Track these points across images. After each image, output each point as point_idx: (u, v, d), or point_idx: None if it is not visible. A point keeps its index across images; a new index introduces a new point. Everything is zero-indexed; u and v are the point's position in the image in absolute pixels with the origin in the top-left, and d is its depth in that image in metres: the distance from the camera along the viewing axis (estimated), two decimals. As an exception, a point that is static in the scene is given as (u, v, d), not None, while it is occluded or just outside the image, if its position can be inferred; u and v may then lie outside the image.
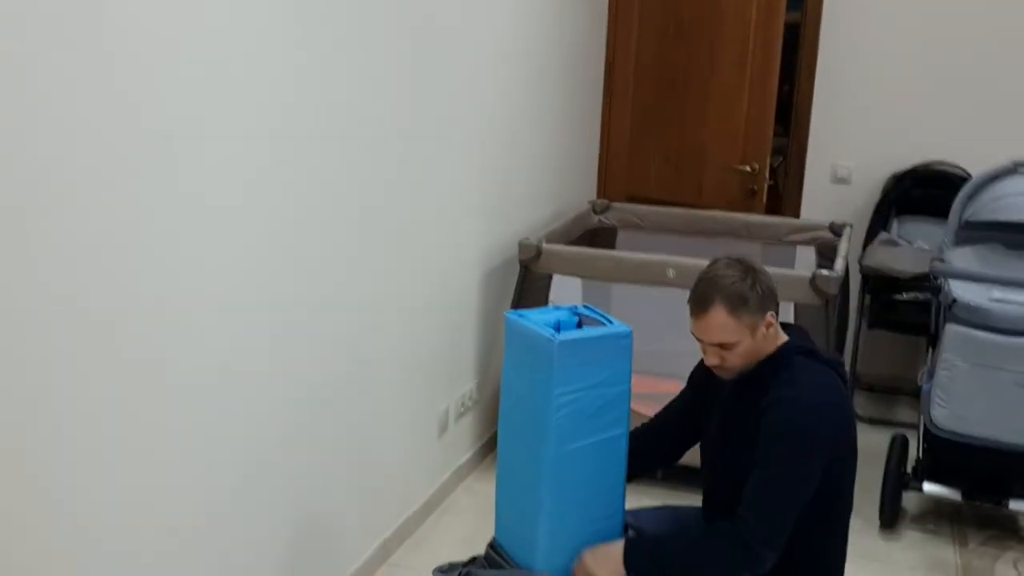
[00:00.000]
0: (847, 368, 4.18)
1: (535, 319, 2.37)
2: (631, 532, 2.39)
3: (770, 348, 2.25)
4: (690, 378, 2.52)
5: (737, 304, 2.16)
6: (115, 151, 1.84)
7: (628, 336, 2.32)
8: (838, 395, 2.25)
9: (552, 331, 2.28)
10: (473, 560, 2.51)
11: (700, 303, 2.20)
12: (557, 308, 2.45)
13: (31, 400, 1.74)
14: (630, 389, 2.34)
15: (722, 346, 2.20)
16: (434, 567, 2.50)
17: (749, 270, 2.20)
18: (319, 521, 2.74)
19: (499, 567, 2.45)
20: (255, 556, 2.47)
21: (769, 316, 2.21)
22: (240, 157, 2.22)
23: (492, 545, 2.51)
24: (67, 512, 1.85)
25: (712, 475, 2.36)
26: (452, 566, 2.51)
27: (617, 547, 2.27)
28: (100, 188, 1.82)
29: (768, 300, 2.20)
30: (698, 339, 2.25)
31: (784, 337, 2.29)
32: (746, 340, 2.19)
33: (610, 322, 2.35)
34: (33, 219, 1.69)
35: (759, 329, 2.20)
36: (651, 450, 2.48)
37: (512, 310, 2.49)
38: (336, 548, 2.85)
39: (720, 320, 2.17)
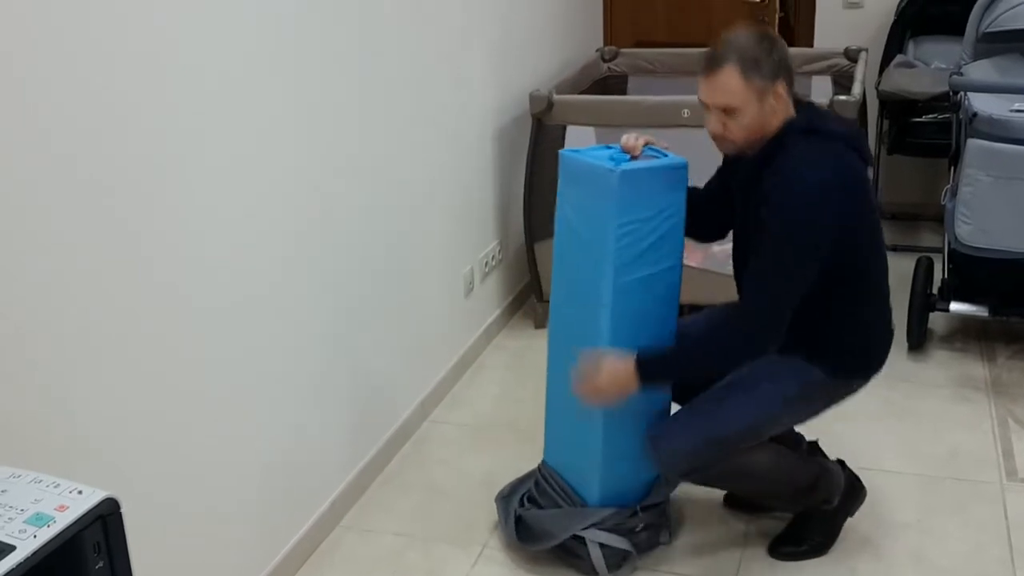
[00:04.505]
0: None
1: (590, 154, 2.36)
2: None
3: (775, 123, 2.19)
4: (719, 169, 2.49)
5: (750, 65, 2.12)
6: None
7: (685, 167, 2.32)
8: (837, 172, 2.16)
9: (612, 162, 2.27)
10: (523, 482, 2.65)
11: (712, 60, 2.16)
12: (608, 146, 2.41)
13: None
14: (684, 221, 2.35)
15: (726, 111, 2.17)
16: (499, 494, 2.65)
17: (767, 36, 2.17)
18: (361, 385, 2.81)
19: (547, 495, 2.53)
20: (306, 420, 2.55)
21: (780, 86, 2.16)
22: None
23: (540, 468, 2.60)
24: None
25: (737, 263, 2.38)
26: (513, 490, 2.65)
27: (628, 362, 2.25)
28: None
29: (782, 68, 2.16)
30: (704, 103, 2.20)
31: (791, 114, 2.22)
32: (752, 107, 2.15)
33: (664, 155, 2.34)
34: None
35: (767, 97, 2.15)
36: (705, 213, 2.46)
37: (526, 161, 2.47)
38: (379, 409, 2.93)
39: (730, 80, 2.13)
